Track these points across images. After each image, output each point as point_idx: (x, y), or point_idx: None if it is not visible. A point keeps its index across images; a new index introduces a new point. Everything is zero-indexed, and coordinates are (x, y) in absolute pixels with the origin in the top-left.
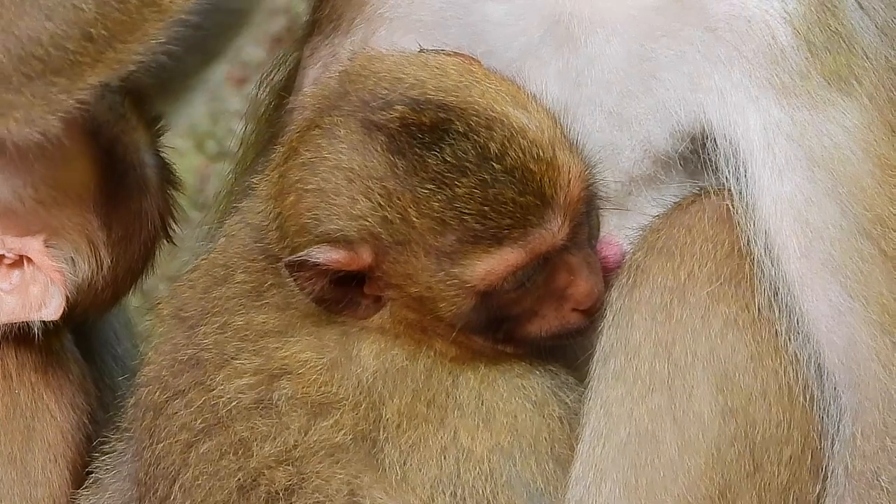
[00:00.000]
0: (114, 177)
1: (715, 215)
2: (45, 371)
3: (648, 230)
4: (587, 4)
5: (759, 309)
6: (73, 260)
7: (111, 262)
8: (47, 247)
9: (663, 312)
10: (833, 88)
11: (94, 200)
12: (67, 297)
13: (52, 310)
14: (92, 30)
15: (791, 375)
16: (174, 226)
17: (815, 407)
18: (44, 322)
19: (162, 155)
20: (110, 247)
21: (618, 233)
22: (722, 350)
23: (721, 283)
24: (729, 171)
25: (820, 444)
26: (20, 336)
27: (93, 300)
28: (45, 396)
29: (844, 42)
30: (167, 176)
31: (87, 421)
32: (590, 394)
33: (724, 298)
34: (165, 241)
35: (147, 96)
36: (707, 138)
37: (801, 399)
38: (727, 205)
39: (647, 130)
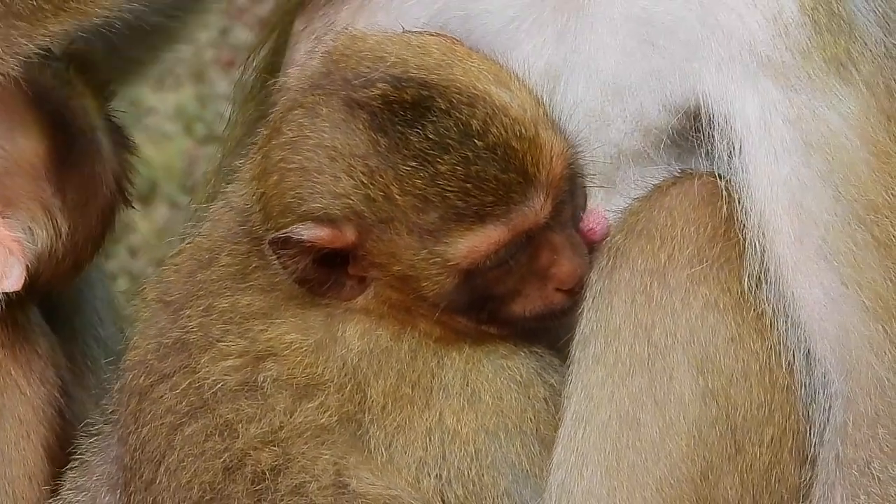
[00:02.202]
0: (64, 143)
1: (697, 198)
2: (11, 346)
3: (628, 212)
4: None
5: (741, 291)
6: (30, 230)
7: (68, 228)
8: (3, 218)
9: (643, 295)
10: (832, 73)
11: (46, 168)
12: (28, 268)
13: (13, 281)
14: None
15: (773, 357)
16: (130, 189)
17: (801, 391)
18: (6, 294)
19: (114, 119)
20: (66, 213)
21: (604, 206)
22: (702, 332)
23: (702, 266)
24: (723, 149)
25: (802, 427)
26: None
27: (54, 269)
28: (12, 372)
29: (846, 27)
30: (120, 140)
31: (58, 395)
32: (570, 377)
33: (704, 281)
34: (124, 206)
35: (93, 63)
36: (702, 115)
37: (783, 381)
38: (709, 187)
39: (639, 102)
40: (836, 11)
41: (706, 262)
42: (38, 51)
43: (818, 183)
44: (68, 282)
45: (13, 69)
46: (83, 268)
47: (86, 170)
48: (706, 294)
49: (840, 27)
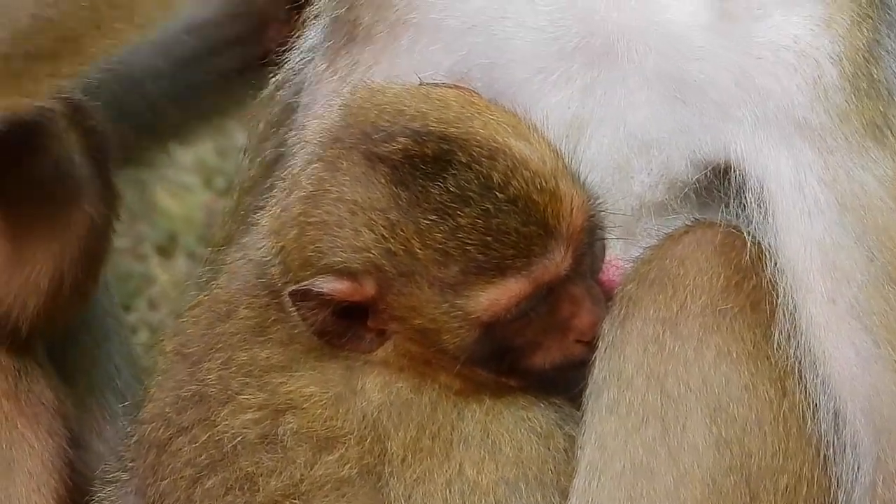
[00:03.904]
0: (24, 163)
1: (710, 247)
2: (17, 399)
3: (640, 261)
4: (634, 17)
5: (754, 341)
6: None
7: (17, 249)
8: None
9: (655, 344)
10: (868, 136)
11: None
12: None
13: None
14: (15, 45)
15: (787, 405)
16: (110, 237)
17: (829, 450)
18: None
19: (102, 166)
20: (14, 231)
21: (624, 258)
22: (715, 381)
23: (714, 315)
24: (754, 207)
25: (818, 476)
26: None
27: (16, 294)
28: (19, 425)
29: (885, 92)
30: (107, 187)
31: (66, 447)
32: (584, 427)
33: (717, 330)
34: (103, 253)
35: (84, 110)
36: (731, 170)
37: (797, 429)
38: (723, 237)
39: (666, 156)
40: (876, 77)
41: (719, 311)
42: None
43: (852, 243)
44: (56, 322)
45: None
46: (69, 309)
47: (53, 204)
48: (719, 343)
49: (879, 92)
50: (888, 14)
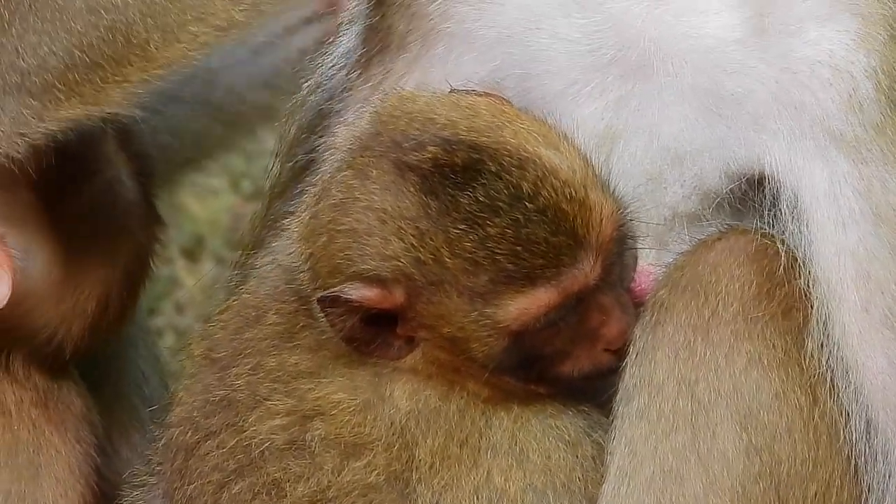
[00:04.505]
0: (79, 184)
1: (742, 254)
2: (45, 406)
3: (672, 267)
4: (670, 31)
5: (785, 348)
6: (26, 250)
7: (69, 272)
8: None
9: (686, 350)
10: None
11: (45, 198)
12: (18, 287)
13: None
14: (76, 53)
15: (816, 413)
16: (153, 262)
17: (861, 459)
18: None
19: (148, 189)
20: (67, 254)
21: (656, 266)
22: (746, 388)
23: (746, 322)
24: (789, 217)
25: (848, 483)
26: (17, 372)
27: (63, 317)
28: (46, 432)
29: None
30: (151, 211)
31: (94, 453)
32: (614, 432)
33: (748, 337)
34: (145, 277)
35: (132, 133)
36: (766, 181)
37: (827, 436)
38: (755, 244)
39: (699, 167)
40: None
41: (750, 318)
42: (46, 135)
43: (886, 253)
44: (96, 340)
45: (18, 152)
46: (110, 327)
47: (99, 220)
48: (750, 350)
49: None
50: None
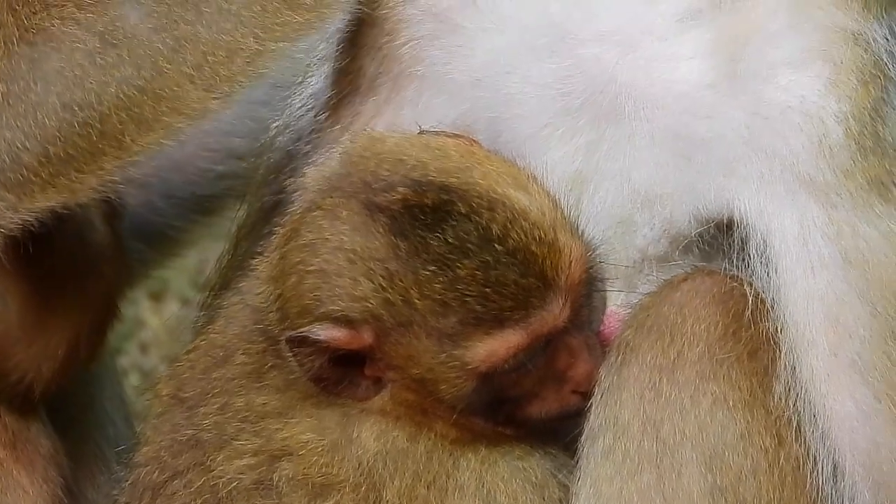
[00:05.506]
0: (50, 228)
1: (708, 295)
2: (13, 447)
3: (638, 307)
4: (641, 76)
5: (751, 389)
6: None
7: (40, 316)
8: None
9: (652, 391)
10: (873, 192)
11: (17, 243)
12: None
13: None
14: (50, 148)
15: (782, 454)
16: (117, 305)
17: (826, 502)
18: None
19: (117, 233)
20: (39, 298)
21: (624, 309)
22: (711, 428)
23: (711, 363)
24: (758, 261)
25: None
26: None
27: (33, 359)
28: (14, 472)
29: (890, 150)
30: (120, 254)
31: (61, 493)
32: (579, 473)
33: (714, 378)
34: (113, 318)
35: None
36: (735, 225)
37: (792, 478)
38: (721, 285)
39: (669, 211)
40: (881, 135)
41: (716, 359)
42: (21, 225)
43: (855, 298)
44: (74, 374)
45: None
46: (85, 363)
47: (70, 256)
48: (715, 391)
49: (884, 150)
50: None
